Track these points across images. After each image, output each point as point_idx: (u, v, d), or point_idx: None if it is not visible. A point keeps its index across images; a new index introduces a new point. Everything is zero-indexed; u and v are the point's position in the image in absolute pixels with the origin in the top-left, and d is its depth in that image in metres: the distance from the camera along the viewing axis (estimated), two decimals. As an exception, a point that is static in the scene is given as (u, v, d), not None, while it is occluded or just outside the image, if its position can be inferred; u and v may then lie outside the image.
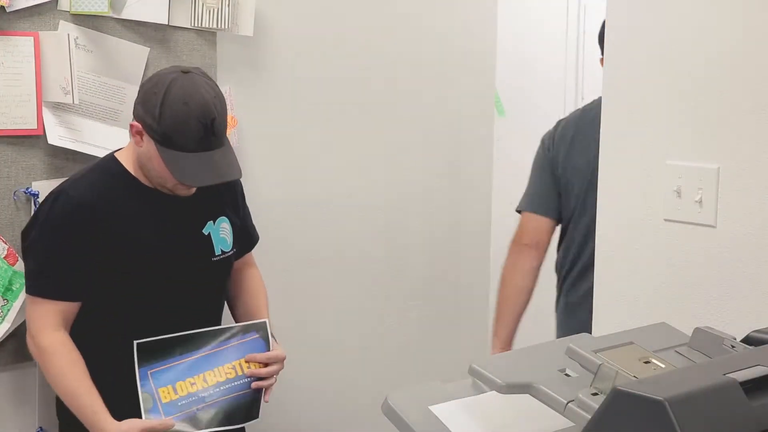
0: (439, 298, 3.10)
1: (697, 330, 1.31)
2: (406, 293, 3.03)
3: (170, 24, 2.37)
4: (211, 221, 2.13)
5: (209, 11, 2.41)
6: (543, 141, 2.73)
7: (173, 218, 2.08)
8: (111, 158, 2.09)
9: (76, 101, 2.19)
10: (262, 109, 2.63)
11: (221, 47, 2.50)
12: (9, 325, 2.14)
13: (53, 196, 2.02)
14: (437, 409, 1.27)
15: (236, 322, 2.25)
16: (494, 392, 1.21)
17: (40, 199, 2.19)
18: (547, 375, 1.20)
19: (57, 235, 1.97)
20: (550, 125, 2.72)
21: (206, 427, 1.99)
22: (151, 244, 2.03)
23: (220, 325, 2.18)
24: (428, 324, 3.10)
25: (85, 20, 2.24)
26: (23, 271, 2.15)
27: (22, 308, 2.16)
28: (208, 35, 2.45)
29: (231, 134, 2.51)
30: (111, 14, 2.27)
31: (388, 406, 1.28)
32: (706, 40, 1.80)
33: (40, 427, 2.28)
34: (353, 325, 2.92)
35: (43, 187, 2.20)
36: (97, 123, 2.29)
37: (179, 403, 1.99)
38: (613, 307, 2.00)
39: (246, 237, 2.28)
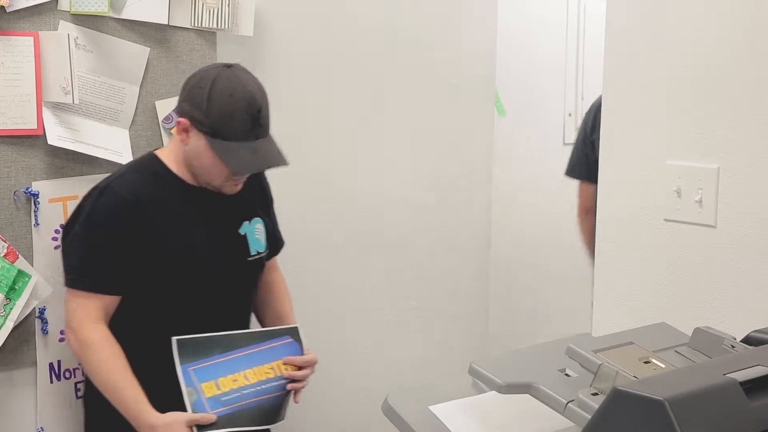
0: (439, 298, 3.10)
1: (697, 330, 1.31)
2: (406, 293, 3.03)
3: (170, 24, 2.37)
4: (247, 221, 2.16)
5: (209, 11, 2.41)
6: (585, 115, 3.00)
7: (212, 217, 2.10)
8: (152, 157, 2.12)
9: (76, 101, 2.19)
10: (262, 109, 2.63)
11: (221, 47, 2.50)
12: (12, 324, 2.14)
13: (97, 191, 2.04)
14: (437, 409, 1.27)
15: (262, 325, 2.29)
16: (494, 392, 1.21)
17: (40, 199, 2.20)
18: (547, 375, 1.20)
19: (101, 230, 2.00)
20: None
21: (242, 425, 2.01)
22: (191, 242, 2.06)
23: (248, 324, 2.22)
24: (428, 324, 3.10)
25: (85, 20, 2.24)
26: (26, 270, 2.15)
27: (25, 307, 2.16)
28: (208, 35, 2.45)
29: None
30: (111, 14, 2.27)
31: (388, 406, 1.28)
32: (706, 41, 1.80)
33: (41, 427, 2.28)
34: (353, 325, 2.92)
35: (43, 187, 2.20)
36: (97, 123, 2.29)
37: (222, 399, 2.01)
38: (613, 307, 2.00)
39: (274, 241, 2.30)
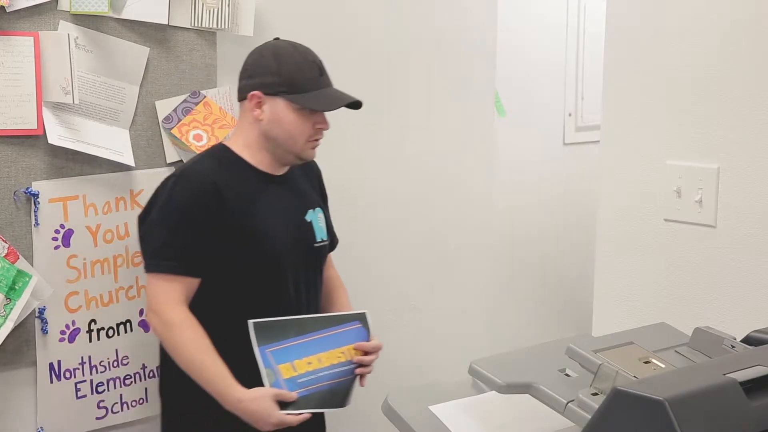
0: (439, 298, 3.10)
1: (697, 330, 1.31)
2: (406, 293, 3.03)
3: (170, 24, 2.37)
4: (311, 209, 2.23)
5: (209, 11, 2.41)
6: None
7: (282, 202, 2.16)
8: (221, 146, 2.16)
9: (76, 101, 2.19)
10: (262, 109, 2.63)
11: (221, 47, 2.50)
12: (12, 324, 2.14)
13: (173, 179, 2.08)
14: (437, 409, 1.27)
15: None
16: (494, 392, 1.21)
17: (40, 199, 2.20)
18: (547, 375, 1.20)
19: (181, 214, 2.03)
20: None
21: (316, 407, 2.08)
22: (266, 226, 2.10)
23: (318, 308, 2.26)
24: (428, 324, 3.10)
25: (85, 20, 2.24)
26: (26, 270, 2.16)
27: (25, 307, 2.16)
28: (208, 35, 2.45)
29: (230, 134, 2.51)
30: (111, 14, 2.27)
31: (388, 406, 1.28)
32: (706, 41, 1.80)
33: (40, 427, 2.28)
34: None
35: (43, 187, 2.20)
36: (97, 123, 2.29)
37: (298, 380, 2.05)
38: (613, 307, 2.00)
39: (331, 235, 2.34)
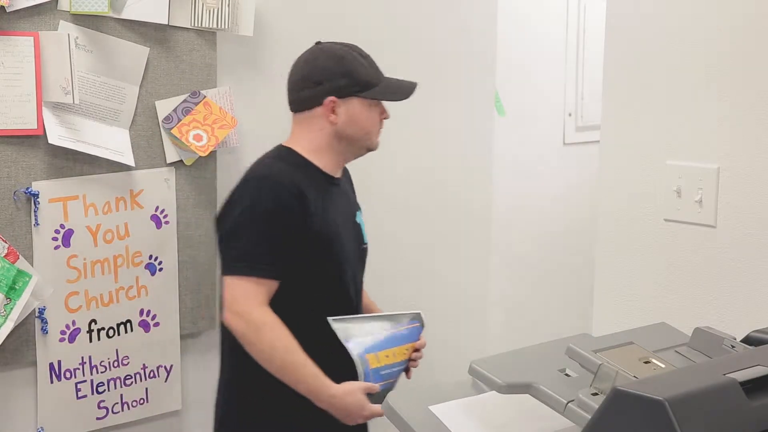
0: (439, 298, 3.10)
1: (697, 330, 1.31)
2: (406, 293, 3.03)
3: (170, 24, 2.37)
4: (358, 211, 2.29)
5: (209, 11, 2.41)
6: None
7: (342, 205, 2.21)
8: (286, 149, 2.17)
9: (76, 101, 2.19)
10: (262, 109, 2.63)
11: (221, 47, 2.50)
12: (12, 324, 2.14)
13: (254, 181, 2.09)
14: (437, 409, 1.27)
15: None
16: (494, 392, 1.21)
17: (40, 199, 2.20)
18: (547, 375, 1.20)
19: (268, 217, 2.05)
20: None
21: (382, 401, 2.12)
22: (336, 227, 2.15)
23: (361, 307, 2.31)
24: (428, 324, 3.09)
25: (85, 20, 2.24)
26: (26, 270, 2.16)
27: (26, 307, 2.16)
28: (208, 35, 2.45)
29: (230, 134, 2.51)
30: (111, 14, 2.27)
31: (388, 406, 1.28)
32: (706, 41, 1.80)
33: (41, 427, 2.28)
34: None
35: (43, 187, 2.20)
36: (98, 123, 2.29)
37: (381, 372, 2.11)
38: (613, 307, 2.00)
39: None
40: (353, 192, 2.35)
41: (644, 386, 0.99)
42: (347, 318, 2.13)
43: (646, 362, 1.20)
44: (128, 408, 2.43)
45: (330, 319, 2.09)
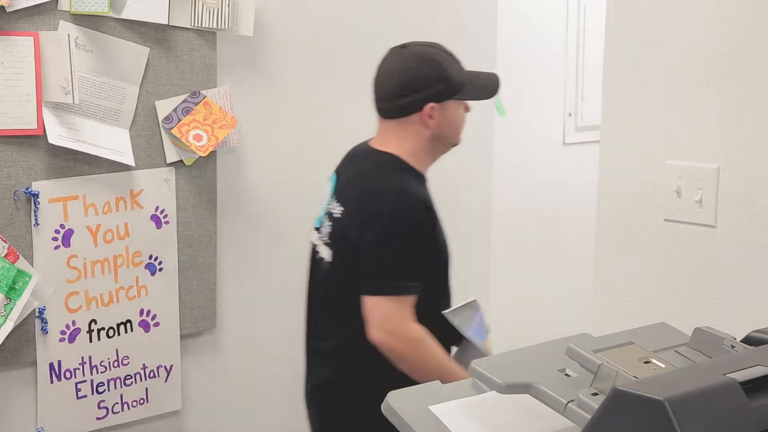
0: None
1: (697, 330, 1.31)
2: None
3: (170, 24, 2.38)
4: None
5: (209, 11, 2.41)
6: None
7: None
8: (392, 157, 2.15)
9: (76, 101, 2.19)
10: (262, 109, 2.63)
11: (221, 47, 2.50)
12: (12, 324, 2.14)
13: (390, 195, 2.07)
14: (437, 409, 1.27)
15: None
16: (494, 392, 1.21)
17: (40, 199, 2.20)
18: (547, 375, 1.20)
19: (407, 234, 2.06)
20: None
21: None
22: (444, 234, 2.19)
23: None
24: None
25: (85, 20, 2.24)
26: (26, 270, 2.16)
27: (26, 307, 2.16)
28: (208, 35, 2.45)
29: (230, 134, 2.51)
30: (111, 14, 2.27)
31: (388, 406, 1.28)
32: (706, 41, 1.80)
33: (41, 427, 2.28)
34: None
35: (43, 187, 2.20)
36: (98, 123, 2.29)
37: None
38: (613, 307, 2.00)
39: None
40: None
41: (644, 386, 0.99)
42: (453, 310, 2.17)
43: (646, 362, 1.20)
44: (128, 408, 2.43)
45: (445, 312, 2.14)
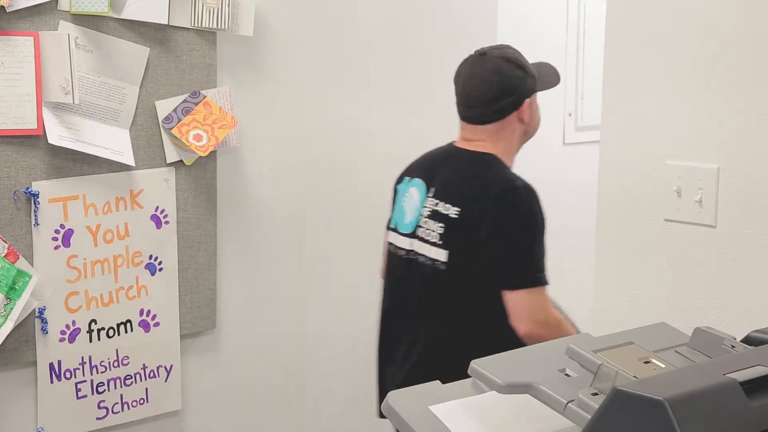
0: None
1: (697, 330, 1.31)
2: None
3: (170, 24, 2.37)
4: None
5: (209, 11, 2.41)
6: None
7: None
8: (494, 158, 2.22)
9: (76, 101, 2.19)
10: (262, 109, 2.63)
11: (221, 47, 2.50)
12: (12, 324, 2.14)
13: (522, 192, 2.15)
14: (437, 409, 1.27)
15: None
16: (494, 392, 1.21)
17: (40, 199, 2.20)
18: (547, 375, 1.20)
19: (542, 226, 2.15)
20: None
21: None
22: None
23: None
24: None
25: (85, 20, 2.24)
26: (26, 270, 2.16)
27: (26, 307, 2.16)
28: (208, 35, 2.45)
29: (230, 134, 2.51)
30: (111, 14, 2.27)
31: (388, 406, 1.28)
32: (706, 41, 1.80)
33: (41, 427, 2.28)
34: (353, 323, 2.92)
35: (43, 187, 2.20)
36: (98, 123, 2.29)
37: None
38: (613, 307, 2.00)
39: None
40: None
41: (644, 386, 0.99)
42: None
43: (646, 362, 1.20)
44: (128, 408, 2.43)
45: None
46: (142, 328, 2.43)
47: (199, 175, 2.49)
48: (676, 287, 1.88)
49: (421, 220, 2.19)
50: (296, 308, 2.81)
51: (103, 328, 2.36)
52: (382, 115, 2.90)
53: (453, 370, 2.09)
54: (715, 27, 1.78)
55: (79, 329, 2.31)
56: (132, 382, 2.43)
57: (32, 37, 2.15)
